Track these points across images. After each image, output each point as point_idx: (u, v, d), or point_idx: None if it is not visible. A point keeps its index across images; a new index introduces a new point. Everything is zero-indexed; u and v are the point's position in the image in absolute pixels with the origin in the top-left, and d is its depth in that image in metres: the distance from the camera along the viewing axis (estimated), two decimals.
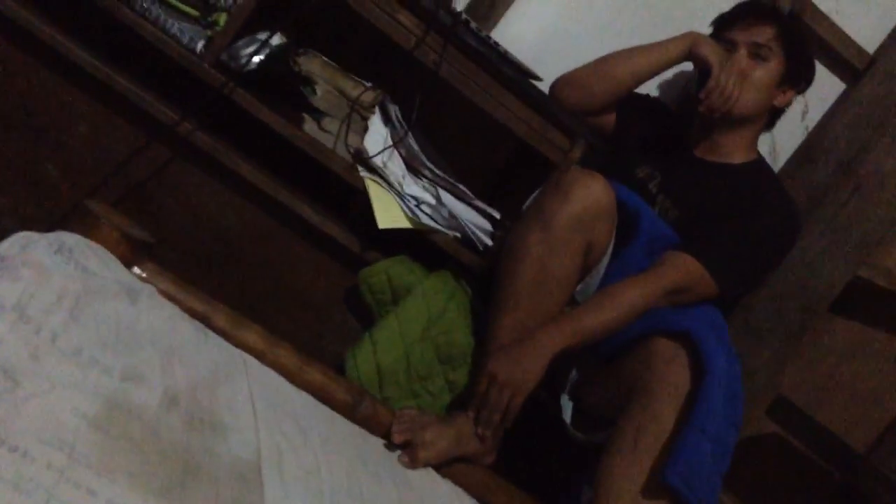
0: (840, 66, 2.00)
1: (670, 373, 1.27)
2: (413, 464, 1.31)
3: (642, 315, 1.41)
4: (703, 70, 1.63)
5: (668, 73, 1.79)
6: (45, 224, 1.43)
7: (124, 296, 1.08)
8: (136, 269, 1.22)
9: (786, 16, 1.70)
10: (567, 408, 1.50)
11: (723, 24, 1.72)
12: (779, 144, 2.02)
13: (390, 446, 1.32)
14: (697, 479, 1.20)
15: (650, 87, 1.90)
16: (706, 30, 1.74)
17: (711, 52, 1.62)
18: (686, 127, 1.75)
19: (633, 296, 1.42)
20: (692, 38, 1.66)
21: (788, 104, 1.73)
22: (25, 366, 0.83)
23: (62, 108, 1.45)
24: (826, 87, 2.00)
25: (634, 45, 1.71)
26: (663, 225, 1.57)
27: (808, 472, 1.89)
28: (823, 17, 1.93)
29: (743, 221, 1.56)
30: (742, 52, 1.64)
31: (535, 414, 1.49)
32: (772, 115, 1.73)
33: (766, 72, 1.65)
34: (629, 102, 1.76)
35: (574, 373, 1.53)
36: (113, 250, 1.17)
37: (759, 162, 1.72)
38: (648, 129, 1.77)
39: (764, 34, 1.65)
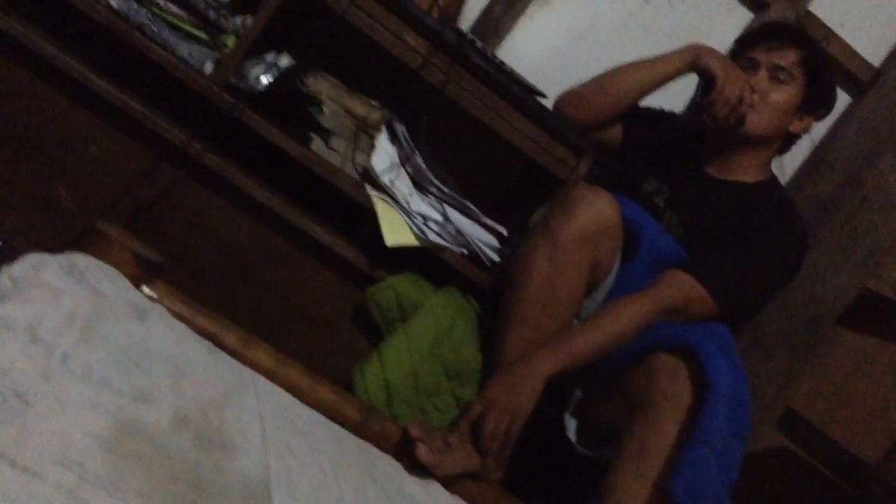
0: (846, 79, 2.00)
1: (673, 387, 1.27)
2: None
3: (640, 333, 1.41)
4: (707, 81, 1.61)
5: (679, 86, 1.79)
6: (56, 245, 1.44)
7: (134, 316, 1.10)
8: (146, 289, 1.23)
9: (812, 41, 1.66)
10: (570, 426, 1.50)
11: (747, 43, 1.70)
12: (785, 157, 2.02)
13: (399, 463, 1.32)
14: (702, 492, 1.20)
15: (659, 102, 1.90)
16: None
17: (716, 62, 1.60)
18: (698, 143, 1.73)
19: (628, 315, 1.41)
20: (696, 49, 1.64)
21: (805, 131, 1.69)
22: (37, 387, 0.84)
23: (72, 130, 1.47)
24: None
25: (638, 59, 1.70)
26: (669, 242, 1.56)
27: (818, 485, 1.88)
28: (828, 31, 1.94)
29: (749, 242, 1.53)
30: (762, 73, 1.62)
31: (543, 430, 1.49)
32: (787, 140, 1.69)
33: (784, 95, 1.61)
34: (637, 115, 1.75)
35: (577, 392, 1.53)
36: (123, 271, 1.18)
37: (771, 182, 1.69)
38: (657, 141, 1.75)
39: (787, 57, 1.62)
